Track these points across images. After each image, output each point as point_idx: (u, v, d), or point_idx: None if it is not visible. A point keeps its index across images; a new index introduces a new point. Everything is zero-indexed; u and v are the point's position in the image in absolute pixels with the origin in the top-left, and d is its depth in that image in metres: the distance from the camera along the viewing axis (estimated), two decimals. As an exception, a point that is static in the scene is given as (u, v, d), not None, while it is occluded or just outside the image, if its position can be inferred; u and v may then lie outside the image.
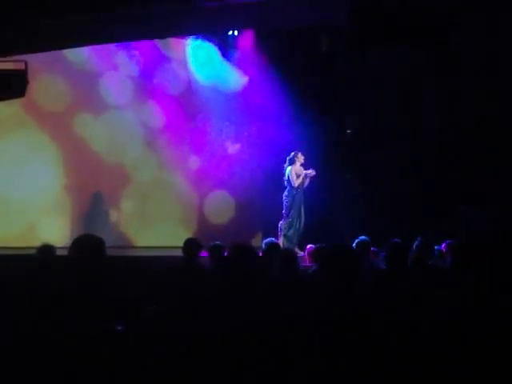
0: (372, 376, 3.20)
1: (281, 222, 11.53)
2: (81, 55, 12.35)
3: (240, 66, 13.31)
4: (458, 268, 5.43)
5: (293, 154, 11.52)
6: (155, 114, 13.28)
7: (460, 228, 11.01)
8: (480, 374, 3.28)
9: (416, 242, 6.52)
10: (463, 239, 9.71)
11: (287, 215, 11.47)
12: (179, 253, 7.22)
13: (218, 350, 3.20)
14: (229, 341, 3.25)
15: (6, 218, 12.39)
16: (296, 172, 11.44)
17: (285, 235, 11.42)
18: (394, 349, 3.29)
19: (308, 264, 7.77)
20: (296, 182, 11.40)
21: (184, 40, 13.17)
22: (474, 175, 12.00)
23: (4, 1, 8.03)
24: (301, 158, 11.49)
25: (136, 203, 13.15)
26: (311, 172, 11.41)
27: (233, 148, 13.44)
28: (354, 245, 6.93)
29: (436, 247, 7.08)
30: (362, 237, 7.09)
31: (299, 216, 11.48)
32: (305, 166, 11.50)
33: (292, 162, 11.47)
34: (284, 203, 11.53)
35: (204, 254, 7.23)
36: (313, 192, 11.70)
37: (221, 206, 13.45)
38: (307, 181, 11.48)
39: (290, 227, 11.45)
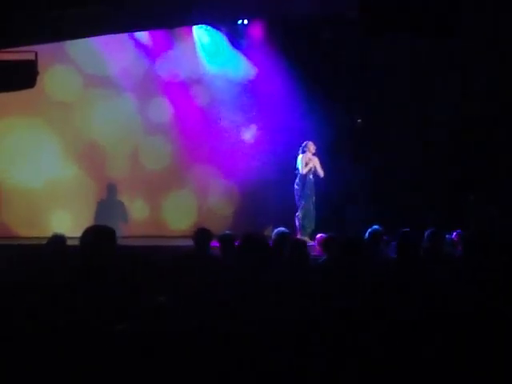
0: (383, 367, 3.19)
1: (297, 214, 11.54)
2: (90, 46, 12.34)
3: (250, 55, 13.25)
4: (468, 257, 5.41)
5: (304, 143, 11.57)
6: (165, 104, 13.25)
7: (470, 217, 10.99)
8: (493, 363, 3.27)
9: (428, 232, 6.51)
10: (474, 228, 9.70)
11: (300, 204, 11.50)
12: (190, 242, 7.22)
13: (229, 341, 3.21)
14: (239, 331, 3.25)
15: (17, 207, 12.46)
16: (306, 161, 11.47)
17: (302, 225, 11.46)
18: (405, 339, 3.29)
19: (318, 253, 7.76)
20: (304, 170, 11.43)
21: (193, 29, 13.12)
22: (484, 164, 11.97)
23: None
24: (311, 148, 11.51)
25: (147, 193, 13.15)
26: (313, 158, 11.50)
27: (243, 138, 13.40)
28: (366, 234, 6.93)
29: (447, 236, 7.07)
30: (375, 226, 7.08)
31: (311, 204, 11.50)
32: (316, 155, 11.56)
33: (304, 151, 11.53)
34: (295, 192, 11.56)
35: (215, 243, 7.23)
36: (324, 181, 11.69)
37: (232, 197, 13.41)
38: (320, 170, 11.49)
39: (304, 216, 11.48)
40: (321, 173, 11.54)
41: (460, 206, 11.53)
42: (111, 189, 12.90)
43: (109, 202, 12.79)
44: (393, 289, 4.19)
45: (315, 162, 11.54)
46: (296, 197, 11.56)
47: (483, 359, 3.28)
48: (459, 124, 12.42)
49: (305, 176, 11.49)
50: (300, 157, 11.53)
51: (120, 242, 4.06)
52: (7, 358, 3.17)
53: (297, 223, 11.47)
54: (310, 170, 11.50)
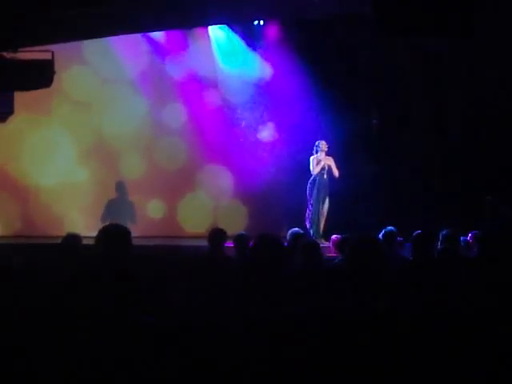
0: (396, 368, 3.19)
1: (306, 215, 11.50)
2: (106, 47, 12.39)
3: (265, 55, 13.25)
4: (484, 259, 5.40)
5: (317, 142, 11.54)
6: (181, 105, 13.28)
7: (486, 218, 10.93)
8: (509, 366, 3.25)
9: (443, 233, 6.48)
10: (490, 230, 9.65)
11: (309, 205, 11.47)
12: (204, 243, 7.23)
13: (242, 341, 3.21)
14: (253, 331, 3.25)
15: (35, 206, 12.56)
16: (317, 161, 11.43)
17: (311, 226, 11.41)
18: (419, 340, 3.28)
19: (333, 254, 7.75)
20: (315, 170, 11.40)
21: (209, 30, 13.13)
22: (500, 165, 11.91)
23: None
24: (324, 147, 11.47)
25: (162, 193, 13.16)
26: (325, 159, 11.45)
27: (259, 139, 13.38)
28: (380, 235, 6.90)
29: (462, 238, 7.04)
30: (389, 227, 7.06)
31: (320, 204, 11.43)
32: (330, 155, 11.52)
33: (316, 151, 11.49)
34: (307, 191, 11.54)
35: (229, 244, 7.24)
36: (338, 181, 11.66)
37: (247, 198, 13.38)
38: (335, 170, 11.44)
39: (313, 217, 11.43)
40: (336, 172, 11.48)
41: (476, 206, 11.46)
42: (122, 189, 12.94)
43: (119, 202, 12.83)
44: (407, 290, 4.18)
45: (329, 161, 11.48)
46: (308, 197, 11.54)
47: (498, 362, 3.27)
48: (474, 124, 12.38)
49: (315, 176, 11.44)
50: (312, 157, 11.50)
51: (134, 242, 4.06)
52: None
53: (307, 224, 11.41)
54: (323, 169, 11.44)
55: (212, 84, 13.33)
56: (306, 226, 11.31)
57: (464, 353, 3.28)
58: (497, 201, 11.25)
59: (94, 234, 3.95)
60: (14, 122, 11.40)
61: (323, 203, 11.45)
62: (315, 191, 11.45)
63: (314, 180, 11.46)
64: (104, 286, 3.66)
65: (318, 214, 11.43)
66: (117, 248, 3.87)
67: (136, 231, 10.55)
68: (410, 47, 12.04)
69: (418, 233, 5.88)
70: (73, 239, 6.46)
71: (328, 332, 3.28)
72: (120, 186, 12.92)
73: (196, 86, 13.23)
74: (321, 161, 11.45)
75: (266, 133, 13.36)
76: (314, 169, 11.42)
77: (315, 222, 11.42)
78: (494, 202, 11.24)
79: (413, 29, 7.69)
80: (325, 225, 11.53)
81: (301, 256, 5.76)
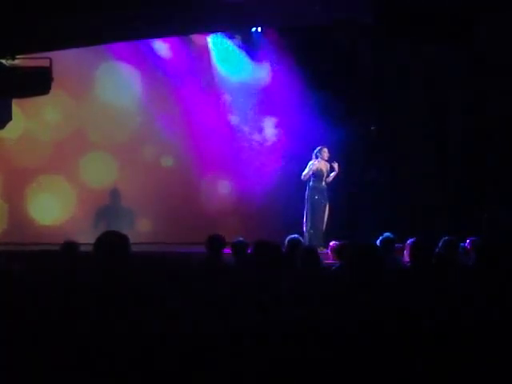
0: (393, 376, 3.19)
1: (309, 221, 11.45)
2: (105, 54, 12.42)
3: (263, 62, 13.25)
4: (482, 266, 5.39)
5: (318, 148, 11.50)
6: (179, 111, 13.27)
7: (485, 226, 10.93)
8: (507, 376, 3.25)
9: (443, 239, 6.48)
10: (488, 237, 9.64)
11: (306, 212, 11.42)
12: (202, 249, 7.22)
13: (241, 349, 3.21)
14: (252, 339, 3.25)
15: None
16: (317, 166, 11.38)
17: (308, 231, 11.36)
18: (417, 347, 3.28)
19: (331, 261, 7.74)
20: (303, 175, 11.35)
21: (207, 37, 13.15)
22: (499, 174, 11.92)
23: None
24: (325, 155, 11.43)
25: (160, 199, 13.14)
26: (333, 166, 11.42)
27: (258, 144, 13.37)
28: (378, 241, 6.90)
29: (460, 244, 7.03)
30: (387, 233, 7.05)
31: (322, 212, 11.39)
32: (330, 161, 11.49)
33: (317, 157, 11.45)
34: (306, 198, 11.49)
35: (227, 250, 7.22)
36: (337, 188, 11.65)
37: (246, 204, 13.34)
38: (331, 176, 11.43)
39: (312, 224, 11.37)
40: (330, 178, 11.46)
41: (475, 213, 11.47)
42: (119, 197, 12.97)
43: (115, 210, 12.86)
44: (406, 297, 4.18)
45: (321, 166, 11.43)
46: (307, 205, 11.49)
47: (496, 371, 3.27)
48: (474, 131, 12.39)
49: (315, 183, 11.40)
50: (310, 163, 11.46)
51: (133, 248, 4.06)
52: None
53: (304, 231, 11.37)
54: (321, 175, 11.38)
55: (210, 90, 13.31)
56: (305, 235, 11.24)
57: (462, 358, 3.28)
58: (496, 208, 11.26)
59: (89, 241, 3.95)
60: (10, 128, 11.40)
61: (324, 211, 11.41)
62: (315, 198, 11.38)
63: (311, 187, 11.42)
64: (103, 292, 3.66)
65: (322, 222, 11.39)
66: (116, 255, 3.86)
67: (134, 238, 10.56)
68: (410, 55, 12.06)
69: (416, 239, 5.87)
70: (71, 246, 6.46)
71: (326, 339, 3.27)
72: (117, 194, 12.94)
73: (194, 93, 13.21)
74: (316, 165, 11.39)
75: (266, 138, 13.34)
76: (305, 173, 11.36)
77: (319, 230, 11.36)
78: (493, 210, 11.25)
79: (412, 36, 7.72)
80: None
81: (299, 262, 5.76)
